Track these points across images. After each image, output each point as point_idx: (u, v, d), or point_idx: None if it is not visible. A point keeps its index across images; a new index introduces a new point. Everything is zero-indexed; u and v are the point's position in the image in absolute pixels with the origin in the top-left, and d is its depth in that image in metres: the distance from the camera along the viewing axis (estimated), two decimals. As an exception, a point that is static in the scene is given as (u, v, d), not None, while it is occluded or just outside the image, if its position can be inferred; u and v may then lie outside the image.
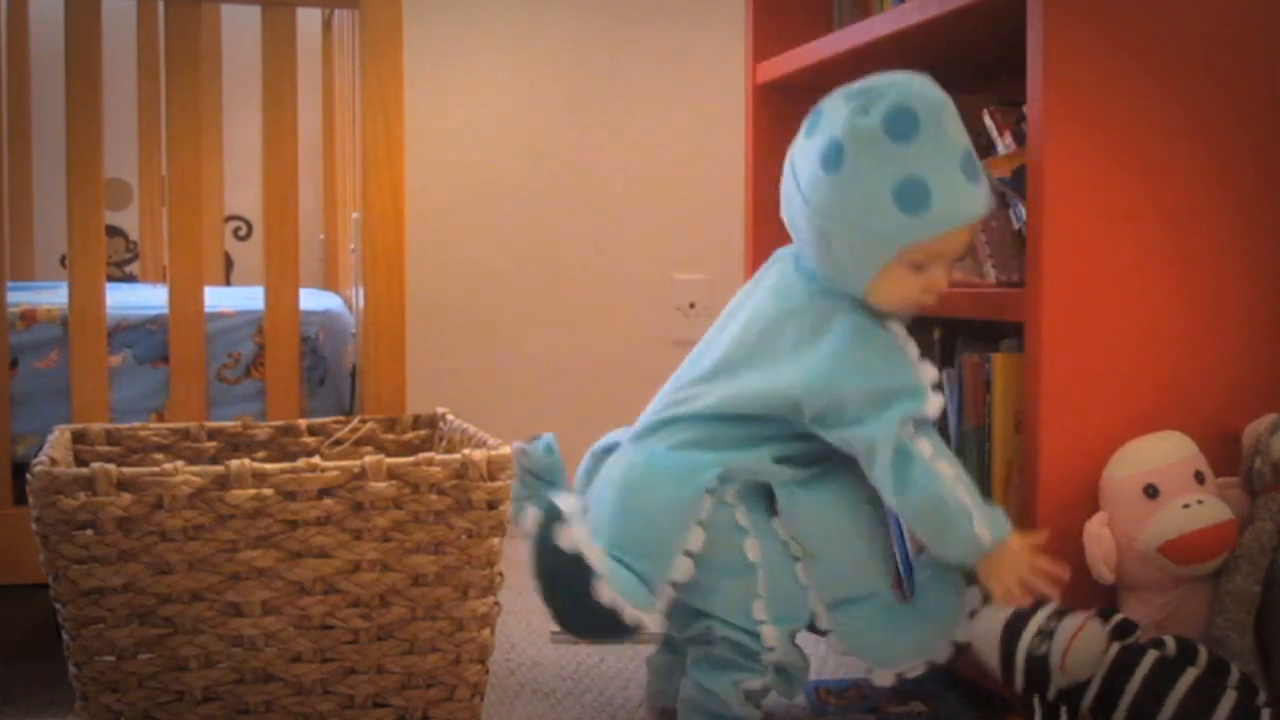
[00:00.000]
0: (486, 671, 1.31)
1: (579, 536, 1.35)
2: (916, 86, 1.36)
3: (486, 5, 2.63)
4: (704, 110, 2.68)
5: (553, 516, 1.35)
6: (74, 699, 1.24)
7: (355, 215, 1.80)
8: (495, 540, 1.27)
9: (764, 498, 1.42)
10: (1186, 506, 1.32)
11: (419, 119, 2.38)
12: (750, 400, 1.41)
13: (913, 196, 1.33)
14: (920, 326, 1.67)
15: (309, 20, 2.43)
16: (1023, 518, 1.43)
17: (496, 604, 1.30)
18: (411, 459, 1.24)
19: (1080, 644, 1.24)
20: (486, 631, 1.29)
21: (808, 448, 1.42)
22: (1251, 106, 1.45)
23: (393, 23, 1.68)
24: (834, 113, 1.38)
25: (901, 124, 1.33)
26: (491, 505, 1.26)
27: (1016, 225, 1.58)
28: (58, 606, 1.21)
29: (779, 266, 1.50)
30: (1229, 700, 1.18)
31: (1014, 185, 1.53)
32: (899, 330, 1.40)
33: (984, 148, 1.64)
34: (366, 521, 1.22)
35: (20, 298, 1.70)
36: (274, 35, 1.67)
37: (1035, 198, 1.40)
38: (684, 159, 2.69)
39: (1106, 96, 1.40)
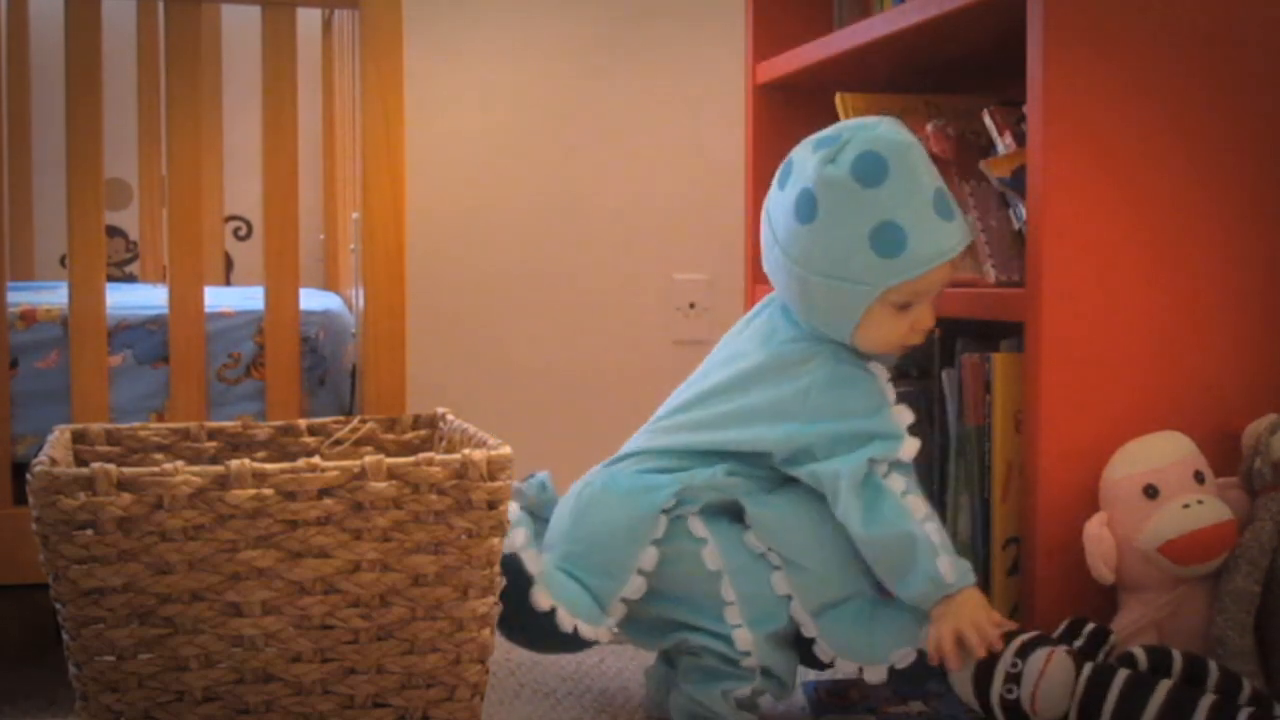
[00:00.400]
0: (486, 671, 1.31)
1: (518, 541, 1.39)
2: (883, 130, 1.38)
3: (486, 5, 2.62)
4: (704, 110, 2.68)
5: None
6: (74, 699, 1.24)
7: (355, 215, 1.80)
8: (495, 540, 1.27)
9: (729, 512, 1.43)
10: (1186, 507, 1.32)
11: (419, 119, 2.38)
12: (721, 446, 1.43)
13: (888, 240, 1.35)
14: (920, 326, 1.67)
15: (309, 20, 2.42)
16: (1023, 518, 1.43)
17: (496, 604, 1.30)
18: (411, 459, 1.24)
19: (1047, 683, 1.25)
20: (486, 631, 1.29)
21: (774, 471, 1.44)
22: (1252, 106, 1.45)
23: (393, 23, 1.68)
24: (803, 163, 1.40)
25: (871, 170, 1.35)
26: (491, 505, 1.25)
27: (1016, 225, 1.58)
28: (58, 606, 1.21)
29: (768, 311, 1.51)
30: (1206, 703, 1.18)
31: (1014, 185, 1.53)
32: (880, 372, 1.42)
33: (984, 148, 1.64)
34: (366, 521, 1.22)
35: (20, 298, 1.70)
36: (274, 35, 1.67)
37: (1035, 198, 1.40)
38: (684, 159, 2.68)
39: (1106, 96, 1.40)
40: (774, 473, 1.44)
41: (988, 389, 1.51)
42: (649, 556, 1.40)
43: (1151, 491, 1.34)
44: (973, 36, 1.62)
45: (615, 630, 1.44)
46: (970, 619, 1.31)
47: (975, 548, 1.53)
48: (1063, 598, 1.40)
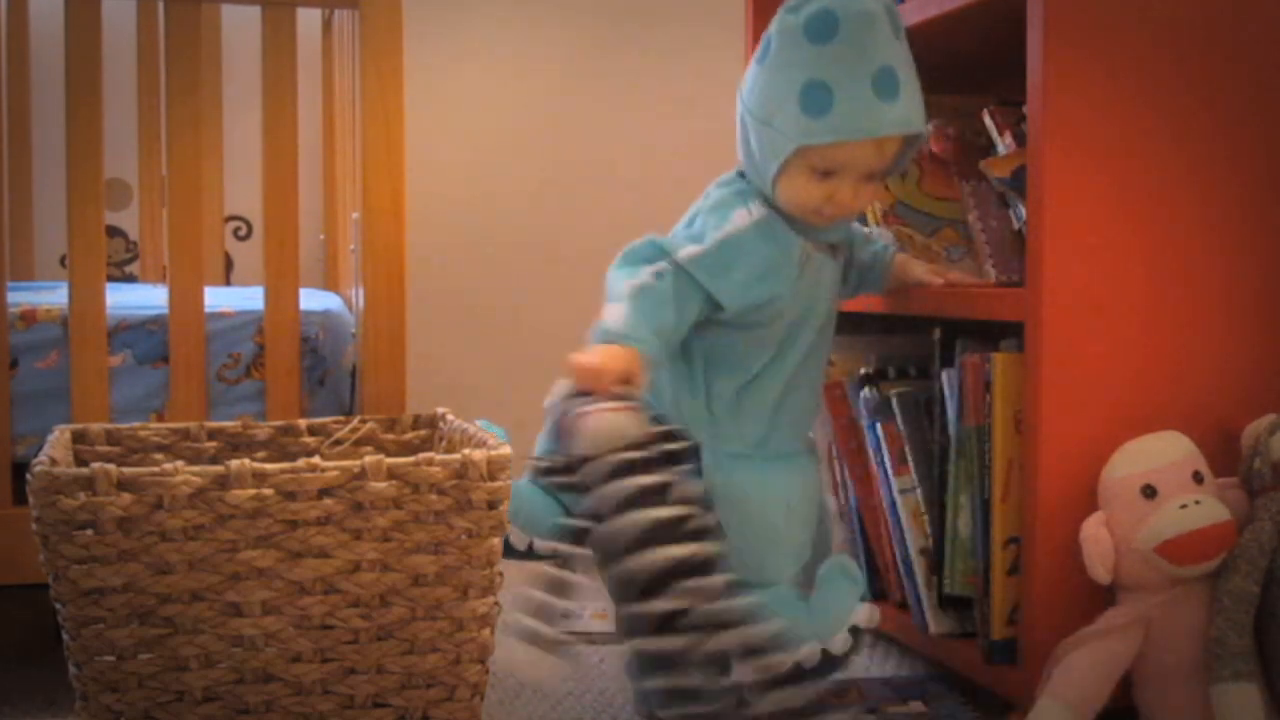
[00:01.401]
0: (487, 671, 1.31)
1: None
2: None
3: (486, 5, 2.63)
4: (703, 110, 2.68)
5: None
6: (74, 699, 1.24)
7: (355, 215, 1.80)
8: (495, 540, 1.27)
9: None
10: (1184, 507, 1.32)
11: (419, 119, 2.38)
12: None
13: (815, 100, 1.34)
14: (920, 326, 1.67)
15: (309, 20, 2.42)
16: (1023, 518, 1.43)
17: (496, 604, 1.30)
18: (411, 459, 1.24)
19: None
20: (486, 631, 1.29)
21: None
22: (1252, 106, 1.45)
23: (393, 23, 1.68)
24: (781, 11, 1.42)
25: (822, 27, 1.35)
26: (491, 505, 1.25)
27: (1016, 225, 1.58)
28: (58, 606, 1.21)
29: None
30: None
31: (1014, 185, 1.53)
32: (789, 238, 1.41)
33: (984, 148, 1.64)
34: (366, 521, 1.22)
35: (20, 298, 1.70)
36: (274, 35, 1.67)
37: (1035, 198, 1.40)
38: (684, 159, 2.68)
39: (1106, 96, 1.40)
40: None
41: (988, 389, 1.51)
42: None
43: (1150, 491, 1.34)
44: (973, 36, 1.62)
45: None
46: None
47: (975, 548, 1.53)
48: (1063, 598, 1.40)
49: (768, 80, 1.39)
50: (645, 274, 1.36)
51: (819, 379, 1.52)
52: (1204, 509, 1.31)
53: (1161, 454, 1.36)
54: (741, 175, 1.47)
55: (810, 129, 1.34)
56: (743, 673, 1.36)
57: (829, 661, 1.40)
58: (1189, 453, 1.37)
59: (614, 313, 1.33)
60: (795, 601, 1.43)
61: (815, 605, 1.43)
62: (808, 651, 1.39)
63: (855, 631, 1.41)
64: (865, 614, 1.43)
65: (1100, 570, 1.34)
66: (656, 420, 1.27)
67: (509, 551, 1.40)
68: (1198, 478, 1.35)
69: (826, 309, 1.47)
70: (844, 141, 1.34)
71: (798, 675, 1.38)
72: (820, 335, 1.47)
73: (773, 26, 1.41)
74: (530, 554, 1.41)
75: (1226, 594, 1.28)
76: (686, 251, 1.38)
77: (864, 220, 1.69)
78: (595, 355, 1.29)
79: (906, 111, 1.36)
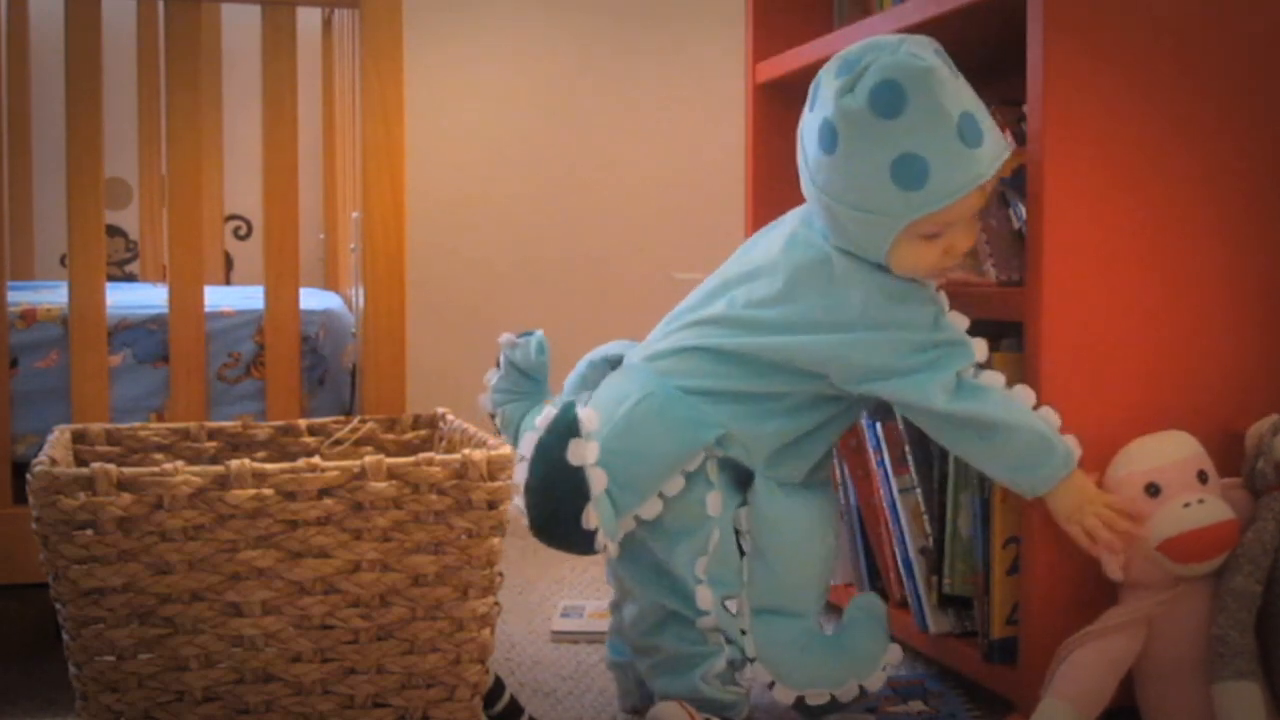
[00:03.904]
0: (486, 671, 1.31)
1: (589, 455, 1.36)
2: (902, 56, 1.32)
3: (486, 5, 2.63)
4: (704, 110, 2.68)
5: (570, 426, 1.36)
6: (74, 699, 1.24)
7: (355, 215, 1.80)
8: (495, 540, 1.27)
9: (741, 474, 1.44)
10: (1187, 506, 1.32)
11: (419, 119, 2.38)
12: (773, 351, 1.40)
13: (909, 173, 1.31)
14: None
15: (309, 20, 2.43)
16: (1023, 518, 1.43)
17: (496, 604, 1.30)
18: (411, 459, 1.24)
19: None
20: (486, 631, 1.29)
21: (808, 444, 1.44)
22: (1252, 105, 1.45)
23: (393, 23, 1.68)
24: (826, 89, 1.37)
25: (889, 100, 1.31)
26: (491, 505, 1.25)
27: (1016, 225, 1.58)
28: (58, 606, 1.21)
29: (792, 223, 1.49)
30: None
31: (1014, 185, 1.53)
32: (927, 282, 1.40)
33: (984, 147, 1.64)
34: (366, 521, 1.22)
35: (20, 297, 1.70)
36: (274, 35, 1.67)
37: (1035, 198, 1.40)
38: (684, 159, 2.68)
39: (1106, 96, 1.40)
40: (807, 453, 1.44)
41: (988, 389, 1.51)
42: (675, 484, 1.40)
43: (1153, 489, 1.34)
44: (973, 36, 1.62)
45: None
46: (1105, 504, 1.34)
47: (975, 548, 1.53)
48: (1063, 598, 1.40)
49: (848, 168, 1.34)
50: (1021, 392, 1.38)
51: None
52: (1207, 508, 1.31)
53: (1166, 453, 1.36)
54: (827, 236, 1.43)
55: (914, 202, 1.32)
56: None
57: (863, 696, 1.44)
58: (1194, 452, 1.37)
59: (1069, 439, 1.35)
60: (821, 637, 1.45)
61: (848, 643, 1.45)
62: (847, 688, 1.42)
63: (884, 670, 1.45)
64: (896, 655, 1.46)
65: (1113, 566, 1.34)
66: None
67: (572, 543, 1.39)
68: (1202, 477, 1.35)
69: None
70: (951, 205, 1.33)
71: (832, 707, 1.43)
72: None
73: (828, 111, 1.35)
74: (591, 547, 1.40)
75: (1229, 593, 1.28)
76: (981, 349, 1.39)
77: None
78: (1104, 510, 1.35)
79: (993, 146, 1.35)
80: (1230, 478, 1.39)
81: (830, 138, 1.35)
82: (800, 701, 1.42)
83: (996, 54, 1.62)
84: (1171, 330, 1.43)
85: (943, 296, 1.40)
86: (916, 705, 1.53)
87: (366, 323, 1.70)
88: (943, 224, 1.35)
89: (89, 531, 1.18)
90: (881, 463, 1.67)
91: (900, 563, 1.66)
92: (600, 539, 1.36)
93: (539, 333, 1.54)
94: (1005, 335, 1.52)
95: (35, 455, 1.31)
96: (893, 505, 1.65)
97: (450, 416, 1.60)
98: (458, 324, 2.61)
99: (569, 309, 2.64)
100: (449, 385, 2.43)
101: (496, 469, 1.25)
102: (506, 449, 1.27)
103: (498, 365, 1.55)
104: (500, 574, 1.31)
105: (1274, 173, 1.46)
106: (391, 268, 1.70)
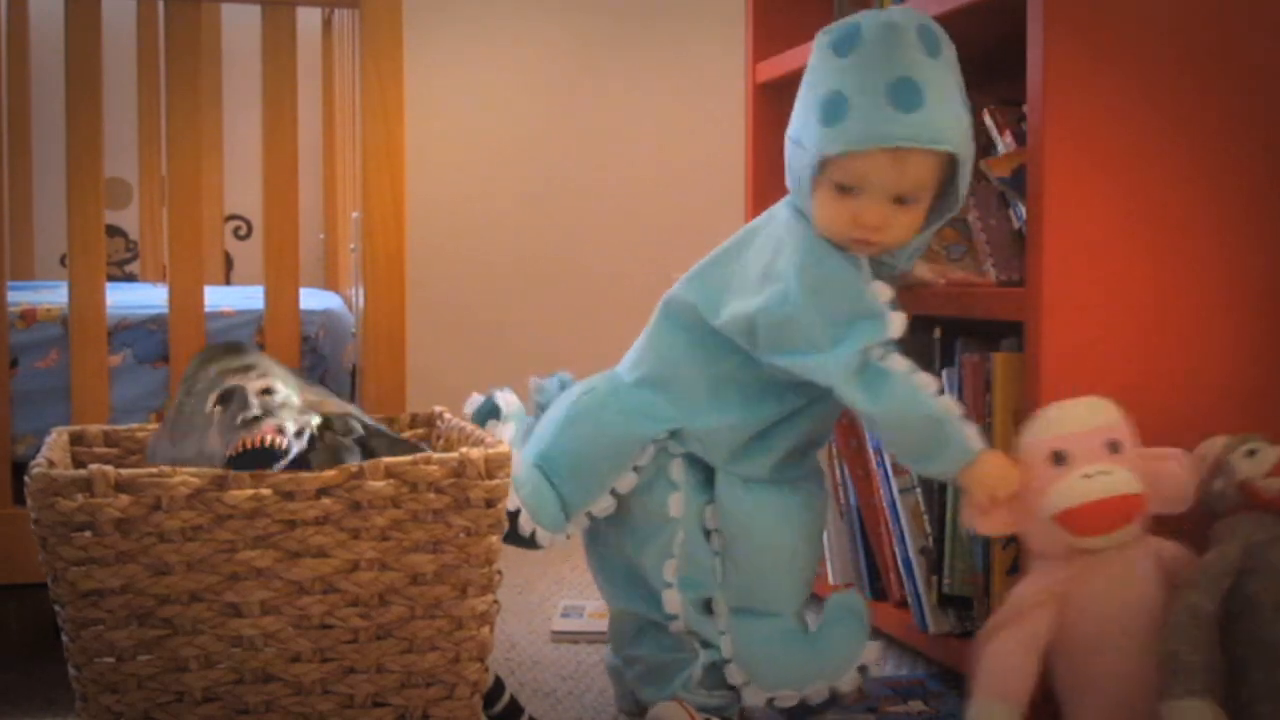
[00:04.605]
0: (486, 670, 1.31)
1: (505, 435, 1.40)
2: (888, 12, 1.35)
3: (486, 5, 2.63)
4: (704, 110, 2.68)
5: (491, 410, 1.45)
6: (74, 700, 1.24)
7: (355, 215, 1.80)
8: (493, 538, 1.27)
9: (708, 471, 1.42)
10: (1088, 476, 1.28)
11: (419, 119, 2.38)
12: (724, 322, 1.39)
13: (832, 109, 1.32)
14: (920, 326, 1.67)
15: (309, 20, 2.43)
16: (1022, 517, 1.43)
17: (495, 602, 1.30)
18: (409, 458, 1.24)
19: None
20: (486, 630, 1.29)
21: (773, 442, 1.42)
22: (1252, 105, 1.45)
23: (393, 23, 1.68)
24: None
25: (845, 40, 1.34)
26: (489, 503, 1.25)
27: (1016, 225, 1.58)
28: (57, 608, 1.21)
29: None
30: None
31: (1014, 185, 1.53)
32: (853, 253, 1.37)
33: (984, 148, 1.64)
34: (365, 521, 1.22)
35: (20, 298, 1.70)
36: (274, 35, 1.67)
37: (1035, 198, 1.40)
38: (684, 159, 2.68)
39: (1106, 96, 1.40)
40: (773, 448, 1.41)
41: (988, 388, 1.51)
42: (626, 480, 1.40)
43: (1059, 458, 1.30)
44: (972, 36, 1.62)
45: (568, 537, 1.43)
46: (1013, 479, 1.32)
47: (975, 548, 1.53)
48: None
49: (800, 100, 1.38)
50: (922, 380, 1.33)
51: (841, 408, 1.47)
52: (1110, 479, 1.27)
53: (1077, 420, 1.32)
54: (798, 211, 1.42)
55: (826, 138, 1.32)
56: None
57: (834, 698, 1.41)
58: (1108, 421, 1.32)
59: (969, 431, 1.32)
60: (799, 635, 1.43)
61: (822, 643, 1.42)
62: (815, 690, 1.40)
63: (862, 670, 1.42)
64: (874, 653, 1.43)
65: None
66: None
67: (517, 539, 1.40)
68: (1113, 447, 1.30)
69: None
70: (856, 150, 1.31)
71: (803, 712, 1.39)
72: None
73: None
74: (532, 542, 1.41)
75: (1184, 609, 1.23)
76: (895, 327, 1.34)
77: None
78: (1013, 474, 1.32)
79: (928, 128, 1.30)
80: (1167, 448, 1.33)
81: (807, 74, 1.39)
82: (770, 704, 1.40)
83: (996, 54, 1.62)
84: (1171, 330, 1.43)
85: (866, 266, 1.36)
86: (917, 705, 1.53)
87: (366, 323, 1.70)
88: (851, 176, 1.32)
89: (87, 533, 1.18)
90: (881, 463, 1.67)
91: (900, 563, 1.66)
92: (527, 524, 1.38)
93: (564, 375, 1.55)
94: (1005, 335, 1.52)
95: (35, 455, 1.31)
96: (893, 505, 1.65)
97: (448, 415, 1.60)
98: (458, 324, 2.61)
99: (569, 309, 2.64)
100: (448, 385, 2.43)
101: (494, 467, 1.25)
102: (504, 447, 1.27)
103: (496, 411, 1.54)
104: (499, 572, 1.31)
105: (1274, 172, 1.46)
106: (391, 268, 1.70)
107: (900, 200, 1.34)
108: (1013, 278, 1.56)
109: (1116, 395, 1.41)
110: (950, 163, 1.34)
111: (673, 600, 1.40)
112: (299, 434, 1.22)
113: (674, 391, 1.42)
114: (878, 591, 1.76)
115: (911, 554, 1.63)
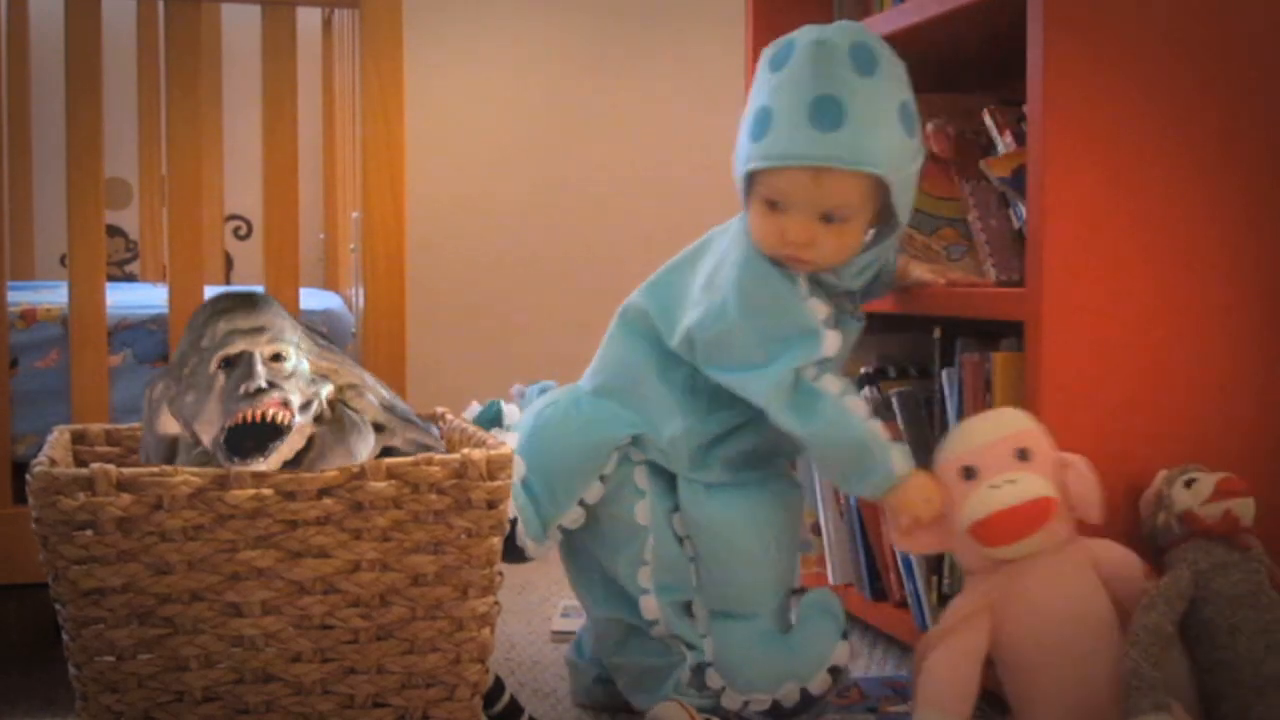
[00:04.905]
0: (486, 671, 1.31)
1: (510, 443, 1.37)
2: (828, 29, 1.34)
3: (486, 5, 2.63)
4: (704, 110, 2.68)
5: (495, 418, 1.47)
6: (74, 699, 1.24)
7: (355, 215, 1.80)
8: (495, 539, 1.27)
9: (673, 477, 1.43)
10: (994, 487, 1.29)
11: (419, 119, 2.38)
12: (677, 344, 1.40)
13: (759, 124, 1.34)
14: (920, 326, 1.67)
15: (309, 20, 2.43)
16: (1023, 517, 1.43)
17: (496, 603, 1.30)
18: (410, 458, 1.24)
19: None
20: (486, 631, 1.29)
21: (739, 446, 1.42)
22: (1252, 105, 1.45)
23: (393, 23, 1.68)
24: None
25: (779, 57, 1.35)
26: (491, 504, 1.25)
27: (1016, 225, 1.58)
28: (57, 607, 1.21)
29: None
30: None
31: (1014, 185, 1.53)
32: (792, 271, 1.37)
33: (984, 147, 1.64)
34: (366, 521, 1.22)
35: (20, 297, 1.70)
36: (274, 35, 1.67)
37: (1035, 198, 1.40)
38: (684, 159, 2.68)
39: (1106, 96, 1.40)
40: (738, 453, 1.41)
41: (988, 388, 1.51)
42: (594, 490, 1.41)
43: (969, 473, 1.31)
44: (973, 36, 1.62)
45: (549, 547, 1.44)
46: (938, 501, 1.32)
47: (975, 547, 1.53)
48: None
49: (744, 114, 1.39)
50: (853, 404, 1.35)
51: None
52: (1016, 488, 1.28)
53: (982, 433, 1.33)
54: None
55: (752, 153, 1.34)
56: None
57: (807, 701, 1.39)
58: (1016, 429, 1.32)
59: (896, 448, 1.34)
60: (774, 636, 1.42)
61: (796, 643, 1.41)
62: (787, 692, 1.39)
63: (835, 671, 1.40)
64: (845, 653, 1.41)
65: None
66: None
67: (515, 555, 1.41)
68: (1022, 455, 1.31)
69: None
70: (776, 166, 1.32)
71: (777, 714, 1.38)
72: None
73: None
74: (521, 554, 1.42)
75: (1143, 629, 1.24)
76: (829, 346, 1.35)
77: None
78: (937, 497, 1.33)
79: (849, 148, 1.29)
80: (1069, 454, 1.33)
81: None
82: (745, 707, 1.39)
83: (997, 54, 1.62)
84: (1171, 330, 1.43)
85: (803, 281, 1.36)
86: (916, 705, 1.53)
87: (366, 323, 1.70)
88: (774, 191, 1.33)
89: (88, 532, 1.18)
90: (881, 463, 1.67)
91: (900, 563, 1.66)
92: (522, 536, 1.38)
93: (547, 383, 1.55)
94: (1005, 335, 1.52)
95: (35, 455, 1.30)
96: (893, 505, 1.65)
97: (449, 416, 1.60)
98: (458, 324, 2.61)
99: (568, 309, 2.64)
100: (448, 385, 2.44)
101: (496, 468, 1.25)
102: (506, 449, 1.27)
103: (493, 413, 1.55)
104: (500, 573, 1.31)
105: (1274, 172, 1.46)
106: (391, 268, 1.70)
107: (827, 219, 1.33)
108: (1013, 278, 1.56)
109: (1116, 395, 1.41)
110: (879, 186, 1.33)
111: (650, 606, 1.40)
112: (305, 406, 1.19)
113: (632, 399, 1.43)
114: (878, 591, 1.76)
115: (911, 554, 1.63)
